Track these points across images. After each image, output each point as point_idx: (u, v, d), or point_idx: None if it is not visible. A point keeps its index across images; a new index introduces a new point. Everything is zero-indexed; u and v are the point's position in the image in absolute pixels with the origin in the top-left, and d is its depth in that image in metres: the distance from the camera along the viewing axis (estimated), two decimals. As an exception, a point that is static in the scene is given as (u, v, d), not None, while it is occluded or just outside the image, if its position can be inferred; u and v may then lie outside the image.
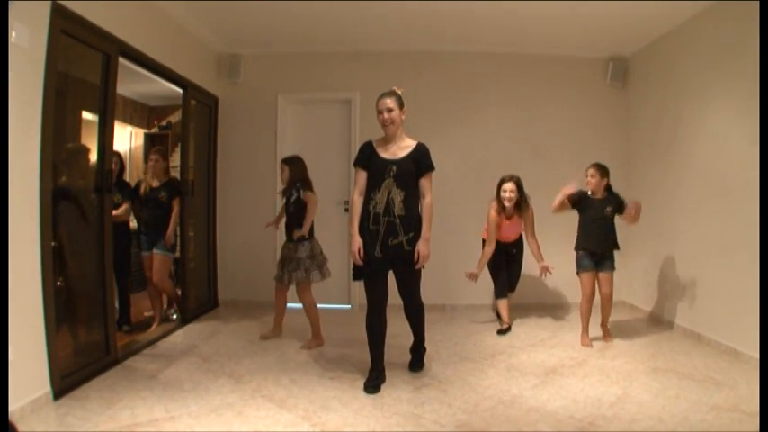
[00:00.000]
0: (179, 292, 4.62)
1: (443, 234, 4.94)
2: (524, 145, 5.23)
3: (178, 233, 4.48)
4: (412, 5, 4.12)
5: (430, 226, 3.02)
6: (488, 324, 4.51)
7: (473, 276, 4.13)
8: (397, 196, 2.97)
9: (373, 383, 2.96)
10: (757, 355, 3.24)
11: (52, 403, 2.71)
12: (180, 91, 4.57)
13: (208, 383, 3.06)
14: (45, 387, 2.71)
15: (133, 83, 5.36)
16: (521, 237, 4.45)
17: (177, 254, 4.55)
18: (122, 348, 3.55)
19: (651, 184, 4.76)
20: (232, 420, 2.57)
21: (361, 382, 3.03)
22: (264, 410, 2.68)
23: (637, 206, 3.77)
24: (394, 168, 2.97)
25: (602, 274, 3.85)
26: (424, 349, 3.39)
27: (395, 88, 3.08)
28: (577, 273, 3.93)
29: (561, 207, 3.90)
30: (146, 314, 4.63)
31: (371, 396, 2.89)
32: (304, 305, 3.90)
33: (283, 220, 3.98)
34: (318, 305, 4.95)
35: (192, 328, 4.36)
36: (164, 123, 6.79)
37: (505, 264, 4.42)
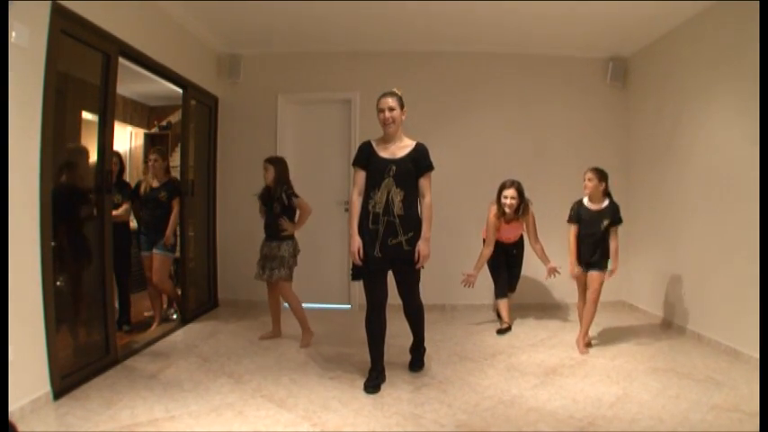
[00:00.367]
0: (179, 292, 4.62)
1: (443, 234, 4.93)
2: (524, 145, 5.23)
3: (178, 233, 4.48)
4: (412, 5, 4.12)
5: (430, 226, 3.02)
6: (488, 324, 4.51)
7: (470, 280, 4.07)
8: (397, 196, 2.97)
9: (373, 383, 2.96)
10: (757, 355, 3.24)
11: (52, 403, 2.71)
12: (180, 91, 4.57)
13: (208, 383, 3.06)
14: (45, 387, 2.71)
15: (133, 83, 5.36)
16: (521, 237, 4.45)
17: (177, 254, 4.55)
18: (122, 348, 3.55)
19: (651, 184, 4.76)
20: (232, 420, 2.57)
21: (361, 382, 3.03)
22: (264, 410, 2.68)
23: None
24: (393, 168, 2.97)
25: (590, 273, 3.74)
26: (424, 349, 3.39)
27: (395, 89, 3.08)
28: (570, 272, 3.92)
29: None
30: (146, 314, 4.63)
31: (371, 396, 2.89)
32: (290, 303, 3.93)
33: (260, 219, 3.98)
34: (318, 305, 4.94)
35: (192, 328, 4.36)
36: (164, 123, 6.79)
37: (506, 264, 4.42)
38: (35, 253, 2.67)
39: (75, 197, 3.31)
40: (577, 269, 3.80)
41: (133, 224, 4.55)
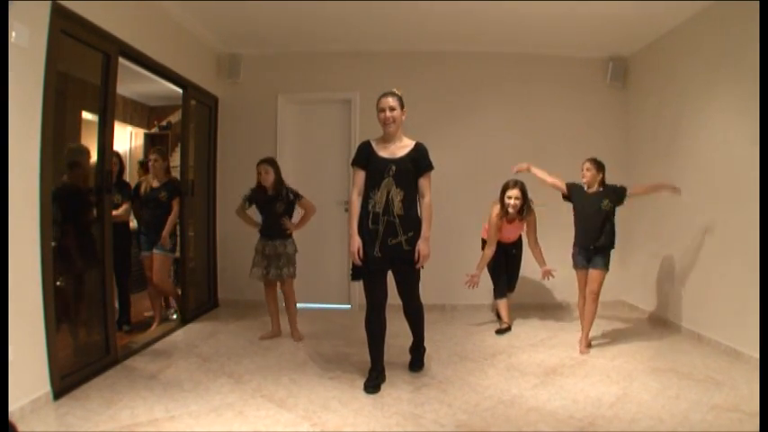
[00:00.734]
0: (179, 292, 4.62)
1: (443, 234, 4.93)
2: (524, 145, 5.22)
3: (178, 233, 4.48)
4: (412, 5, 4.12)
5: (430, 225, 3.02)
6: (488, 324, 4.52)
7: (473, 281, 4.05)
8: (397, 196, 2.97)
9: (373, 383, 2.96)
10: (757, 355, 3.24)
11: (52, 403, 2.71)
12: (180, 91, 4.57)
13: (208, 383, 3.06)
14: (45, 387, 2.71)
15: (133, 83, 5.36)
16: (520, 237, 4.45)
17: (177, 254, 4.55)
18: (122, 348, 3.55)
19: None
20: (232, 420, 2.57)
21: (360, 382, 3.03)
22: (264, 410, 2.68)
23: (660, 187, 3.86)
24: (393, 168, 2.97)
25: (591, 271, 3.74)
26: (424, 349, 3.39)
27: (395, 89, 3.08)
28: (573, 267, 3.92)
29: (551, 177, 4.02)
30: (146, 314, 4.63)
31: (371, 396, 2.89)
32: (291, 300, 4.02)
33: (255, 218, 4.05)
34: (318, 305, 4.96)
35: (192, 328, 4.36)
36: (164, 123, 6.79)
37: (505, 264, 4.42)
38: (35, 253, 2.67)
39: (79, 197, 3.31)
40: (579, 260, 3.83)
41: (133, 224, 4.55)
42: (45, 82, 2.70)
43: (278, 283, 4.05)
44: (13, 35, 2.45)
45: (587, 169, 3.79)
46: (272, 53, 5.24)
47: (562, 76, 5.25)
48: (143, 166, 4.78)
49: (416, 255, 2.97)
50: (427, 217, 3.02)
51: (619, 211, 3.82)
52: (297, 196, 3.95)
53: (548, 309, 5.08)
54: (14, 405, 2.44)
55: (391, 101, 3.00)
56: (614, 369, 3.33)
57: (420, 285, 3.20)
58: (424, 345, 3.38)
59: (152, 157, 4.35)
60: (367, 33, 4.85)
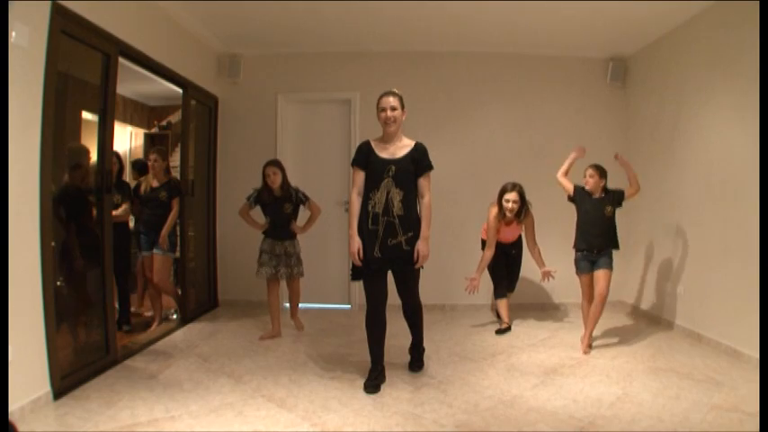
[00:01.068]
0: (179, 292, 4.62)
1: (443, 234, 4.94)
2: (525, 145, 5.23)
3: (178, 233, 4.48)
4: (412, 5, 4.12)
5: (429, 225, 3.02)
6: (488, 324, 4.52)
7: (473, 284, 4.04)
8: (396, 196, 2.97)
9: (373, 383, 2.96)
10: (757, 355, 3.24)
11: (52, 403, 2.71)
12: (180, 91, 4.57)
13: (208, 383, 3.06)
14: (45, 387, 2.71)
15: (133, 83, 5.36)
16: (520, 237, 4.45)
17: (177, 254, 4.55)
18: (122, 348, 3.55)
19: (651, 184, 4.75)
20: (232, 420, 2.57)
21: (361, 382, 3.03)
22: (264, 410, 2.68)
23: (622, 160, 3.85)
24: (393, 168, 2.97)
25: (597, 272, 3.76)
26: (423, 349, 3.39)
27: (395, 89, 3.08)
28: (576, 273, 3.92)
29: (566, 175, 3.94)
30: (146, 314, 4.63)
31: (371, 396, 2.89)
32: (298, 295, 4.19)
33: (261, 220, 4.10)
34: (318, 305, 4.99)
35: (192, 328, 4.36)
36: (164, 123, 6.80)
37: (505, 264, 4.42)
38: (35, 253, 2.67)
39: (82, 197, 3.32)
40: (583, 265, 3.83)
41: (131, 224, 4.54)
42: (45, 82, 2.70)
43: (280, 283, 4.09)
44: (13, 35, 2.45)
45: (590, 176, 3.78)
46: (272, 53, 5.24)
47: (562, 76, 5.26)
48: (134, 166, 4.69)
49: (415, 255, 2.97)
50: (426, 217, 3.02)
51: (618, 210, 3.82)
52: (305, 198, 4.07)
53: (547, 309, 5.08)
54: (14, 405, 2.44)
55: (392, 100, 2.99)
56: (614, 369, 3.33)
57: (420, 285, 3.20)
58: (423, 345, 3.38)
59: (152, 156, 4.34)
60: (367, 34, 4.85)
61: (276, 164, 4.02)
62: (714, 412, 2.65)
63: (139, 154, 6.56)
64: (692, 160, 4.16)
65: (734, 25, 3.62)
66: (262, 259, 4.00)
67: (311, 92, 5.28)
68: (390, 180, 2.97)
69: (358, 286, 4.60)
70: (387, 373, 3.10)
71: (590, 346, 3.76)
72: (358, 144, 3.19)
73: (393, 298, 3.13)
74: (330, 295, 5.23)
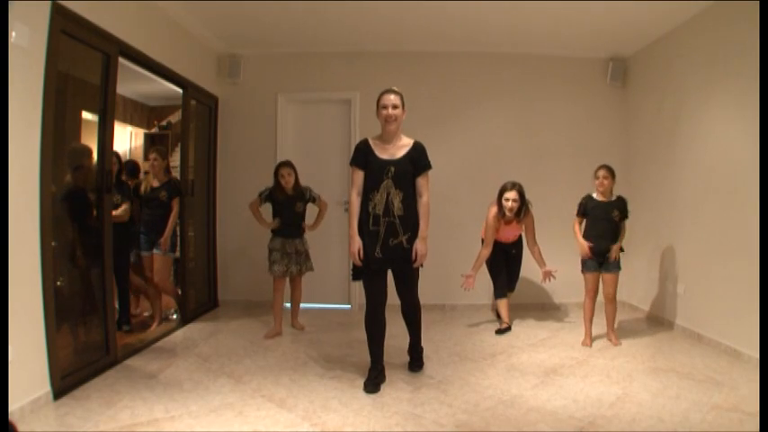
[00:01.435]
0: (179, 292, 4.62)
1: (443, 234, 4.94)
2: (525, 145, 5.23)
3: (178, 233, 4.48)
4: (412, 5, 4.12)
5: (427, 224, 3.03)
6: (488, 324, 4.51)
7: (468, 282, 4.06)
8: (396, 197, 2.97)
9: (373, 383, 2.96)
10: (757, 355, 3.24)
11: (52, 403, 2.71)
12: (180, 91, 4.57)
13: (208, 383, 3.06)
14: (45, 387, 2.71)
15: (133, 83, 5.36)
16: (520, 236, 4.45)
17: (177, 254, 4.55)
18: (122, 348, 3.55)
19: (651, 184, 4.76)
20: (232, 420, 2.57)
21: (361, 382, 3.03)
22: (264, 410, 2.68)
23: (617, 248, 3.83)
24: (392, 169, 2.98)
25: (606, 275, 3.84)
26: (421, 349, 3.38)
27: (396, 88, 3.08)
28: (582, 272, 3.93)
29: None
30: (145, 314, 4.63)
31: (371, 396, 2.89)
32: (298, 294, 4.27)
33: (269, 218, 4.18)
34: (318, 305, 5.00)
35: (192, 328, 4.36)
36: (164, 123, 6.80)
37: (505, 264, 4.42)
38: (35, 253, 2.67)
39: (84, 197, 3.32)
40: (591, 264, 3.86)
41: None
42: (45, 82, 2.70)
43: (286, 280, 4.17)
44: (13, 35, 2.45)
45: (605, 177, 3.82)
46: (272, 53, 5.24)
47: (562, 76, 5.25)
48: (125, 167, 4.58)
49: (414, 254, 2.98)
50: (425, 216, 3.03)
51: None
52: (315, 196, 4.21)
53: (547, 309, 5.08)
54: (14, 405, 2.44)
55: (394, 98, 3.00)
56: (614, 369, 3.33)
57: (419, 285, 3.21)
58: (422, 344, 3.38)
59: (151, 156, 4.34)
60: (367, 33, 4.85)
61: (290, 165, 4.12)
62: (714, 412, 2.65)
63: (139, 154, 6.56)
64: (691, 160, 4.16)
65: (734, 25, 3.62)
66: (273, 257, 4.06)
67: (311, 92, 5.28)
68: (390, 181, 2.97)
69: (358, 286, 4.60)
70: (387, 373, 3.10)
71: (589, 344, 3.83)
72: (356, 143, 3.19)
73: (392, 298, 3.13)
74: (330, 295, 5.23)
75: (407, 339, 3.36)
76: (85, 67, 3.27)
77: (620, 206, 3.85)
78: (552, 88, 5.26)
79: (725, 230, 3.71)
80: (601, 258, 3.84)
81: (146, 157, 5.43)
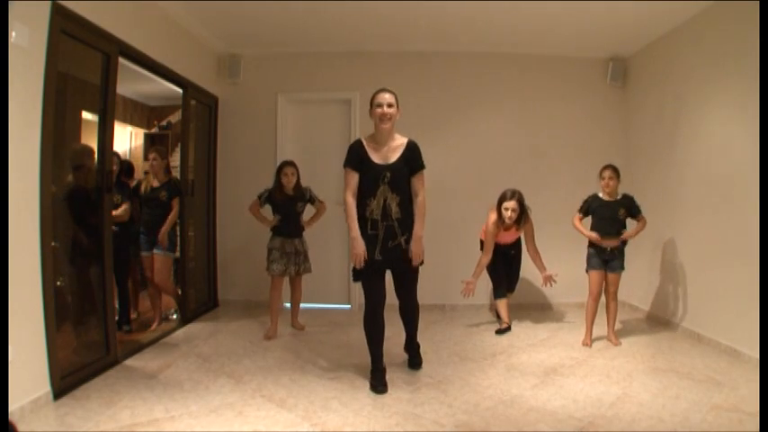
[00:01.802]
0: (179, 292, 4.62)
1: (443, 234, 4.94)
2: (524, 145, 5.23)
3: (178, 233, 4.48)
4: (412, 5, 4.12)
5: (423, 224, 3.04)
6: (488, 324, 4.52)
7: (469, 287, 4.03)
8: (393, 201, 2.99)
9: (381, 383, 2.96)
10: (757, 355, 3.24)
11: (52, 403, 2.71)
12: (180, 91, 4.57)
13: (208, 383, 3.06)
14: (45, 387, 2.71)
15: (133, 83, 5.36)
16: (519, 238, 4.44)
17: (177, 254, 4.55)
18: (122, 348, 3.55)
19: (651, 184, 4.76)
20: (232, 420, 2.57)
21: (361, 382, 3.03)
22: (264, 410, 2.68)
23: (638, 230, 3.90)
24: (388, 174, 2.98)
25: (610, 275, 3.87)
26: (418, 344, 3.38)
27: (389, 88, 3.08)
28: (586, 270, 3.93)
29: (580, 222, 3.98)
30: (144, 316, 4.63)
31: (371, 396, 2.89)
32: (298, 294, 4.26)
33: (270, 217, 4.16)
34: (318, 305, 4.98)
35: (192, 328, 4.36)
36: (164, 123, 6.80)
37: (504, 264, 4.42)
38: (35, 253, 2.67)
39: (87, 197, 3.32)
40: (596, 262, 3.89)
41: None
42: (45, 82, 2.69)
43: (284, 280, 4.15)
44: (13, 35, 2.45)
45: (610, 178, 3.83)
46: (272, 53, 5.24)
47: (562, 76, 5.25)
48: (122, 165, 4.58)
49: (409, 254, 2.98)
50: (420, 215, 3.03)
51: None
52: (317, 199, 4.22)
53: (547, 309, 5.08)
54: (14, 405, 2.44)
55: (388, 97, 3.00)
56: (614, 369, 3.33)
57: (419, 285, 3.21)
58: (418, 340, 3.38)
59: (151, 156, 4.34)
60: (367, 33, 4.85)
61: (294, 165, 4.12)
62: (714, 412, 2.65)
63: (139, 154, 6.56)
64: (692, 160, 4.16)
65: (734, 25, 3.62)
66: (272, 257, 4.05)
67: (311, 92, 5.28)
68: (386, 186, 2.98)
69: (358, 286, 4.59)
70: (387, 374, 3.09)
71: (589, 345, 3.82)
72: (350, 144, 3.18)
73: (391, 298, 3.14)
74: (330, 295, 5.23)
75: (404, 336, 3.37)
76: (85, 67, 3.27)
77: (627, 204, 3.86)
78: (552, 88, 5.26)
79: (725, 230, 3.71)
80: (606, 255, 3.86)
81: (146, 158, 5.43)
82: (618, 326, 4.41)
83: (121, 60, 3.48)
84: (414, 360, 3.34)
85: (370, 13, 4.31)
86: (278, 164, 4.25)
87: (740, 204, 3.53)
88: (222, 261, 5.25)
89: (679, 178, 4.33)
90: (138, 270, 4.61)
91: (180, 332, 4.23)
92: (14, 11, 2.42)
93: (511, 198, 4.07)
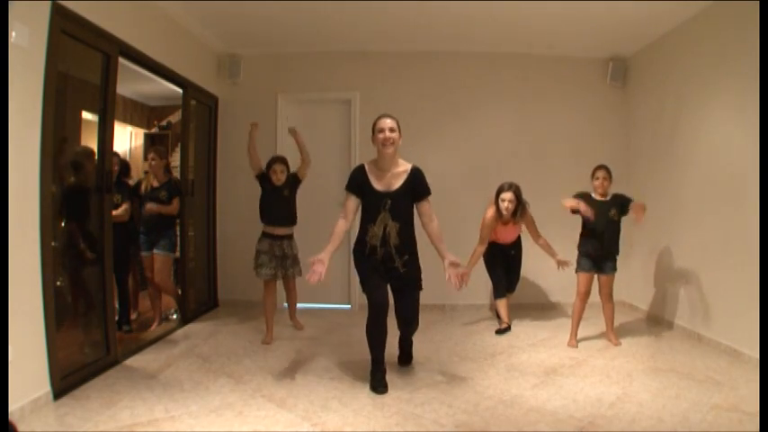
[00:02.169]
0: (179, 292, 4.62)
1: (443, 234, 4.93)
2: (524, 145, 5.23)
3: (178, 233, 4.48)
4: (412, 5, 4.12)
5: (445, 244, 3.02)
6: (488, 324, 4.51)
7: (463, 277, 4.03)
8: (393, 228, 2.99)
9: (381, 383, 2.96)
10: (757, 355, 3.24)
11: (52, 403, 2.71)
12: (180, 91, 4.57)
13: (208, 383, 3.06)
14: (45, 387, 2.71)
15: (133, 83, 5.36)
16: (519, 237, 4.44)
17: (177, 254, 4.55)
18: (122, 348, 3.55)
19: (651, 184, 4.76)
20: (232, 420, 2.57)
21: (361, 383, 3.03)
22: (264, 410, 2.68)
23: (640, 207, 3.75)
24: (389, 202, 2.99)
25: (603, 277, 3.86)
26: (411, 342, 3.37)
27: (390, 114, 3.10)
28: (576, 271, 3.92)
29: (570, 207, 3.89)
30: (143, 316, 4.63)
31: (371, 396, 2.89)
32: (294, 293, 4.19)
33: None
34: (318, 305, 4.96)
35: (192, 328, 4.36)
36: (164, 123, 6.79)
37: (504, 264, 4.42)
38: (35, 253, 2.67)
39: (87, 197, 3.33)
40: (586, 264, 3.86)
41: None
42: (45, 82, 2.70)
43: (277, 283, 4.06)
44: (13, 35, 2.45)
45: (604, 178, 3.81)
46: (272, 53, 5.24)
47: (562, 76, 5.26)
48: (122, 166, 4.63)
49: (456, 280, 2.92)
50: (440, 238, 3.03)
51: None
52: (300, 178, 4.08)
53: (547, 309, 5.08)
54: (14, 405, 2.44)
55: (390, 122, 3.00)
56: (614, 369, 3.33)
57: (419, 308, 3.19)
58: (411, 338, 3.37)
59: (150, 156, 4.35)
60: (367, 33, 4.85)
61: (284, 162, 3.99)
62: (714, 412, 2.65)
63: (139, 154, 6.56)
64: (692, 160, 4.16)
65: (734, 25, 3.62)
66: (260, 260, 3.94)
67: (311, 92, 5.28)
68: (387, 214, 2.99)
69: (357, 286, 4.59)
70: (387, 374, 3.09)
71: (574, 345, 3.84)
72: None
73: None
74: (330, 295, 5.23)
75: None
76: (85, 67, 3.27)
77: (618, 202, 3.82)
78: (552, 88, 5.26)
79: (725, 230, 3.71)
80: (596, 259, 3.83)
81: (145, 158, 5.43)
82: (618, 325, 4.42)
83: (121, 60, 3.48)
84: (404, 357, 3.37)
85: (370, 12, 4.31)
86: (276, 162, 4.09)
87: (740, 204, 3.53)
88: (222, 261, 5.24)
89: (679, 178, 4.33)
90: (137, 270, 4.62)
91: (180, 332, 4.23)
92: (14, 11, 2.42)
93: (508, 190, 4.09)
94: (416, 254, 3.12)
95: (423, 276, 3.17)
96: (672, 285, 4.39)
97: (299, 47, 5.14)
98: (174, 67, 4.21)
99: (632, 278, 5.07)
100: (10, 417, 2.30)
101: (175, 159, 5.17)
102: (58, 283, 2.97)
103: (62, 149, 3.09)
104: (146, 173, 4.72)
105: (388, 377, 3.07)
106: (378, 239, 2.99)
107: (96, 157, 3.33)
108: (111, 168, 3.52)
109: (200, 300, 4.94)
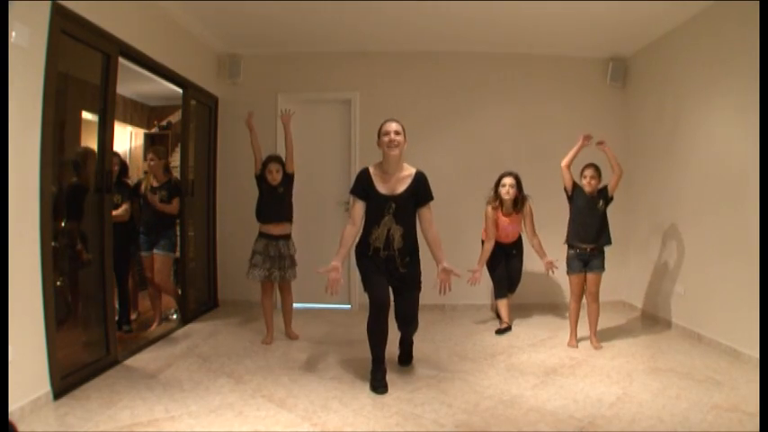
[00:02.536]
0: (179, 292, 4.62)
1: (443, 235, 4.87)
2: (524, 145, 5.23)
3: (178, 233, 4.47)
4: (412, 5, 4.12)
5: (443, 252, 3.04)
6: (488, 324, 4.51)
7: (476, 276, 4.01)
8: (397, 232, 3.02)
9: (381, 383, 2.96)
10: (757, 355, 3.24)
11: (52, 403, 2.71)
12: (180, 91, 4.57)
13: (208, 383, 3.06)
14: (45, 387, 2.71)
15: (133, 83, 5.36)
16: (520, 237, 4.45)
17: (177, 254, 4.55)
18: (122, 348, 3.55)
19: (651, 184, 4.76)
20: (232, 420, 2.57)
21: (361, 383, 3.03)
22: (264, 410, 2.69)
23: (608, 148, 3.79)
24: (393, 205, 3.00)
25: (590, 275, 3.82)
26: (411, 342, 3.38)
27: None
28: (567, 273, 3.92)
29: (570, 167, 3.88)
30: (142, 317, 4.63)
31: (371, 396, 2.89)
32: (290, 300, 4.06)
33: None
34: (318, 305, 4.95)
35: (192, 328, 4.36)
36: (164, 123, 6.79)
37: (505, 264, 4.42)
38: (35, 253, 2.67)
39: (87, 197, 3.33)
40: (576, 265, 3.84)
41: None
42: (45, 82, 2.70)
43: (275, 285, 4.01)
44: (13, 35, 2.45)
45: (592, 177, 3.80)
46: (272, 53, 5.24)
47: (562, 76, 5.26)
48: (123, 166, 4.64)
49: (440, 286, 2.97)
50: (439, 245, 3.05)
51: (617, 210, 3.82)
52: (291, 173, 3.97)
53: (547, 309, 5.08)
54: (14, 405, 2.44)
55: (396, 125, 3.02)
56: (614, 369, 3.33)
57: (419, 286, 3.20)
58: (412, 338, 3.37)
59: (149, 156, 4.34)
60: (367, 33, 4.85)
61: (279, 161, 3.95)
62: (714, 412, 2.65)
63: (139, 154, 6.56)
64: (691, 160, 4.16)
65: (734, 25, 3.62)
66: (254, 260, 3.90)
67: (311, 92, 5.28)
68: (390, 217, 3.00)
69: (357, 286, 4.59)
70: (387, 374, 3.09)
71: (575, 345, 3.84)
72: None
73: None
74: (330, 295, 5.21)
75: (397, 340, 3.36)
76: (85, 67, 3.27)
77: (603, 195, 3.81)
78: (552, 88, 5.26)
79: (725, 230, 3.71)
80: (585, 256, 3.81)
81: (145, 158, 5.43)
82: (618, 325, 4.43)
83: (121, 60, 3.48)
84: (404, 356, 3.37)
85: (370, 13, 4.31)
86: (270, 162, 4.02)
87: (740, 204, 3.53)
88: (222, 261, 5.24)
89: (679, 178, 4.33)
90: (137, 270, 4.61)
91: (180, 332, 4.23)
92: (14, 11, 2.42)
93: (508, 175, 4.14)
94: (418, 255, 3.14)
95: (423, 277, 3.18)
96: (672, 285, 4.39)
97: (299, 47, 5.14)
98: (174, 67, 4.21)
99: (632, 278, 5.07)
100: (10, 417, 2.30)
101: (175, 159, 5.17)
102: (58, 283, 2.97)
103: (62, 149, 3.09)
104: (145, 173, 4.72)
105: (388, 377, 3.08)
106: (381, 242, 3.02)
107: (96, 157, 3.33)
108: (111, 168, 3.51)
109: (200, 300, 4.94)
